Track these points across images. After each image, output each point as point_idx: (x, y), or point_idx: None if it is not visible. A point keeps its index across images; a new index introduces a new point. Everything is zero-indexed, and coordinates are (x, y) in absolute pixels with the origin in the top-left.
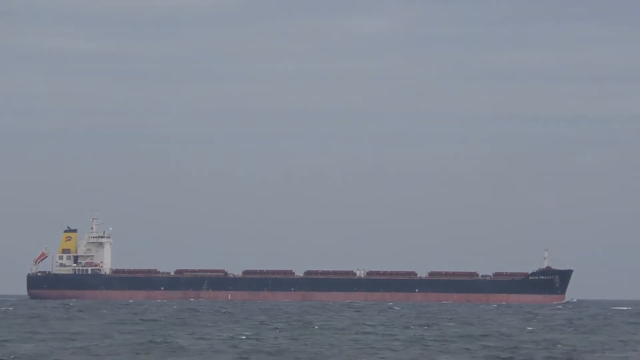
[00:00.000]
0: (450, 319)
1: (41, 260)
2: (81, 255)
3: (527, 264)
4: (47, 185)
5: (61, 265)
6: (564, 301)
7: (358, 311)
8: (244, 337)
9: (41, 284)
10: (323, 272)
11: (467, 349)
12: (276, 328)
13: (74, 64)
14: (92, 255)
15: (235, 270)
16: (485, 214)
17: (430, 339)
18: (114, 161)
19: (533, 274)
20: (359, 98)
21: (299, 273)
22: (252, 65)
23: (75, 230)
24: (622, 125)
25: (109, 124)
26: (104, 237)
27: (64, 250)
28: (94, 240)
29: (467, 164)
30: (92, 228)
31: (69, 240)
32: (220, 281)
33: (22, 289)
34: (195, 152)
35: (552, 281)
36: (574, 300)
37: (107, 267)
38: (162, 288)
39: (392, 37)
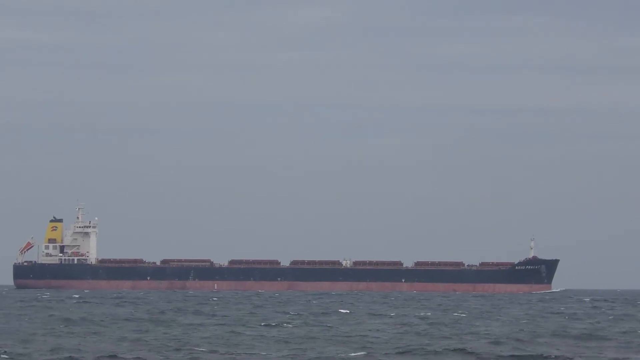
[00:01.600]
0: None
1: (27, 250)
2: (67, 245)
3: (514, 254)
4: (33, 175)
5: (47, 255)
6: (550, 291)
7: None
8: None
9: (27, 273)
10: (309, 262)
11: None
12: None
13: (22, 55)
14: (78, 245)
15: (222, 260)
16: (471, 204)
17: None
18: (100, 151)
19: (519, 263)
20: (309, 89)
21: (285, 263)
22: (200, 56)
23: (61, 220)
24: (582, 116)
25: (91, 114)
26: (89, 226)
27: (50, 240)
28: (80, 230)
29: (445, 155)
30: (77, 218)
31: (55, 230)
32: (206, 271)
33: (7, 279)
34: (180, 143)
35: (539, 271)
36: (560, 290)
37: (93, 256)
38: (148, 278)
39: (336, 26)
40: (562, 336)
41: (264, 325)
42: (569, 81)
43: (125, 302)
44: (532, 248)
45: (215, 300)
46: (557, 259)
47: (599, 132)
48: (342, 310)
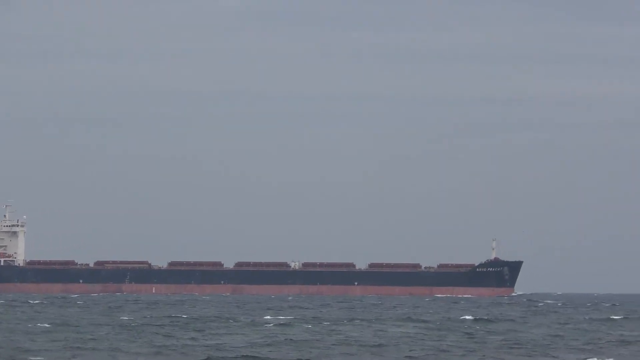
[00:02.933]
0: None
1: None
2: None
3: (474, 255)
4: None
5: None
6: (513, 294)
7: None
8: None
9: None
10: (255, 264)
11: None
12: None
13: None
14: (5, 246)
15: (160, 262)
16: (428, 202)
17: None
18: (26, 147)
19: (480, 265)
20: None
21: (229, 265)
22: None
23: None
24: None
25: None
26: (17, 225)
27: None
28: (7, 229)
29: (394, 148)
30: (4, 216)
31: None
32: (143, 273)
33: None
34: (112, 135)
35: (501, 273)
36: (524, 293)
37: (20, 258)
38: (81, 281)
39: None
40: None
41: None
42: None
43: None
44: (493, 249)
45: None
46: (521, 260)
47: (567, 122)
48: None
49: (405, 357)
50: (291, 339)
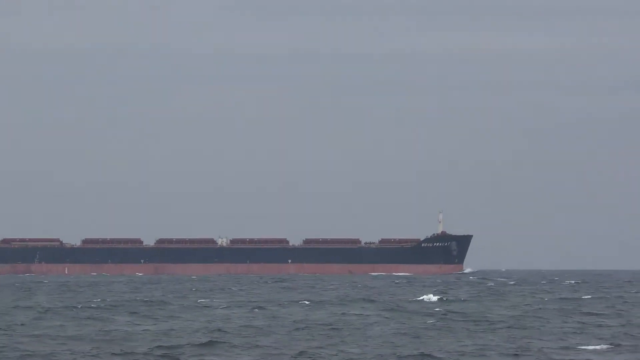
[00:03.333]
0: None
1: None
2: None
3: (420, 230)
4: None
5: None
6: (462, 271)
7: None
8: None
9: None
10: (178, 241)
11: None
12: None
13: None
14: None
15: (73, 239)
16: (367, 171)
17: None
18: None
19: (426, 240)
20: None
21: (149, 242)
22: None
23: None
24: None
25: None
26: None
27: None
28: None
29: (316, 111)
30: None
31: None
32: (55, 252)
33: None
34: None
35: (449, 248)
36: (473, 270)
37: None
38: None
39: None
40: None
41: None
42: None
43: None
44: (440, 222)
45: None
46: (470, 234)
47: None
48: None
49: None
50: (248, 325)
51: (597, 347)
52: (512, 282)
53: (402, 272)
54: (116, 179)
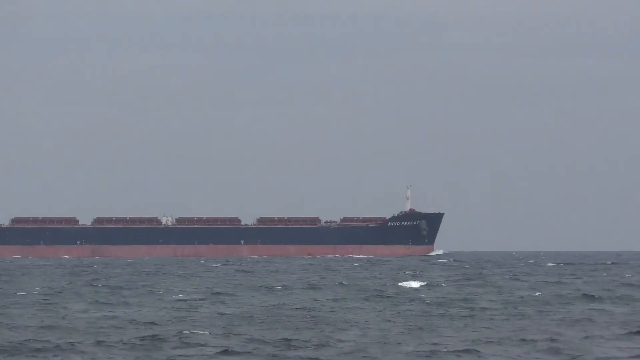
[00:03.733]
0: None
1: None
2: None
3: (386, 207)
4: None
5: None
6: (434, 253)
7: None
8: None
9: None
10: (118, 220)
11: None
12: None
13: None
14: None
15: (1, 219)
16: (326, 144)
17: None
18: None
19: (393, 218)
20: None
21: (86, 221)
22: None
23: None
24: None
25: None
26: None
27: None
28: None
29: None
30: None
31: None
32: None
33: None
34: None
35: (418, 227)
36: (445, 252)
37: None
38: None
39: None
40: None
41: None
42: None
43: None
44: (408, 198)
45: None
46: (441, 212)
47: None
48: None
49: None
50: (223, 313)
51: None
52: (489, 265)
53: (367, 254)
54: (50, 152)
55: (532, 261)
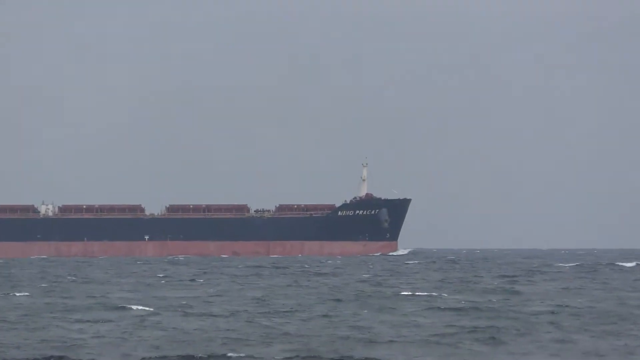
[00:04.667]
0: None
1: None
2: None
3: (336, 193)
4: None
5: None
6: (397, 252)
7: None
8: None
9: None
10: None
11: None
12: None
13: None
14: None
15: None
16: (263, 115)
17: None
18: None
19: (344, 206)
20: None
21: None
22: None
23: None
24: None
25: None
26: None
27: None
28: None
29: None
30: None
31: None
32: None
33: None
34: None
35: (377, 218)
36: (411, 250)
37: None
38: None
39: None
40: None
41: None
42: None
43: None
44: (364, 180)
45: None
46: (408, 197)
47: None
48: None
49: None
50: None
51: None
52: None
53: (311, 252)
54: None
55: (522, 260)
